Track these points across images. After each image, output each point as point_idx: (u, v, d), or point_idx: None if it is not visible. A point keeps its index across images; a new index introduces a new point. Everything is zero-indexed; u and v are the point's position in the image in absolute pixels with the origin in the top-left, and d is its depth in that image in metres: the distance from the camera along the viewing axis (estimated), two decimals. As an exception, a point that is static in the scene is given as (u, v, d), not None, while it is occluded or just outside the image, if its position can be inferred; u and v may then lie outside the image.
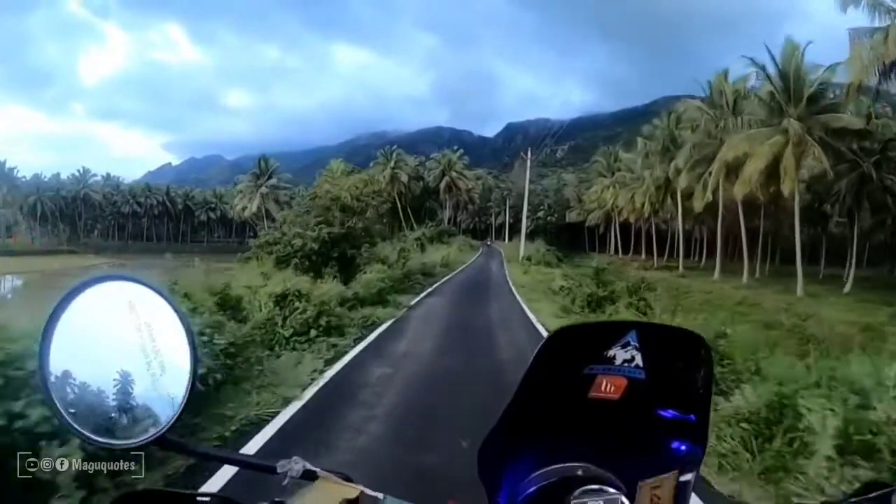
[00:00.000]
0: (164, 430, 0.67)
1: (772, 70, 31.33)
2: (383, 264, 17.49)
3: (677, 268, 48.21)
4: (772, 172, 31.09)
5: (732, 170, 33.76)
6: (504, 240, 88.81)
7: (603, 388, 0.77)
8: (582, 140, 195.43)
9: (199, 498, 0.71)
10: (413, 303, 14.71)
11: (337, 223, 16.52)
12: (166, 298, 0.70)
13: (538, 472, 0.78)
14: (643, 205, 46.57)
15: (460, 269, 32.00)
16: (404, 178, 69.45)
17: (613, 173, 58.00)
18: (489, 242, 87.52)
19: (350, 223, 16.43)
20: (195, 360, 0.69)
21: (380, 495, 0.70)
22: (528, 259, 34.84)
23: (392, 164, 69.28)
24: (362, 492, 0.71)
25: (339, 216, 16.65)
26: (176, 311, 0.69)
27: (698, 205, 35.51)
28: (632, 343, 0.76)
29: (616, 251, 68.20)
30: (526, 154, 38.45)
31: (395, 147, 72.75)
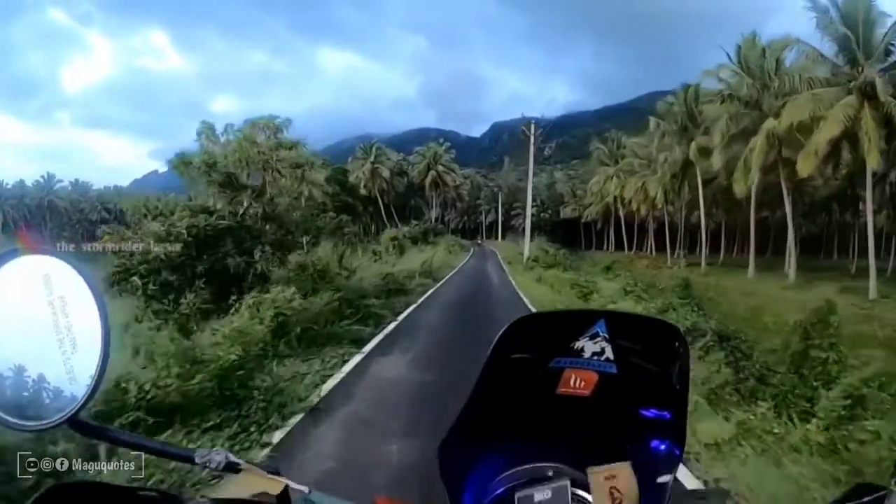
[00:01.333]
0: (75, 411, 0.62)
1: (834, 15, 24.12)
2: (320, 285, 9.62)
3: (696, 265, 40.90)
4: (837, 143, 24.05)
5: (785, 142, 26.51)
6: (496, 238, 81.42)
7: (572, 383, 0.71)
8: (569, 137, 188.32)
9: (139, 492, 0.65)
10: (326, 392, 5.74)
11: (225, 205, 8.75)
12: (80, 272, 0.65)
13: (507, 473, 0.73)
14: (658, 194, 39.16)
15: (448, 277, 22.97)
16: (386, 174, 61.51)
17: (617, 161, 50.51)
18: (480, 241, 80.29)
19: (241, 208, 8.58)
20: (107, 338, 0.63)
21: (305, 489, 0.65)
22: (535, 260, 26.94)
23: (372, 158, 61.22)
24: (287, 485, 0.64)
25: (224, 195, 8.87)
26: (90, 285, 0.64)
27: (740, 188, 28.15)
28: (601, 334, 0.69)
29: (619, 248, 61.00)
30: (528, 129, 30.66)
31: (374, 142, 64.66)
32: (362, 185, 61.55)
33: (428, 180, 64.69)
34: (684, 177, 38.16)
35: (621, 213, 52.30)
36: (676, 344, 0.72)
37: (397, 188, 64.32)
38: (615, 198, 51.07)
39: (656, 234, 57.09)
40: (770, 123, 26.70)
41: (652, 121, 39.13)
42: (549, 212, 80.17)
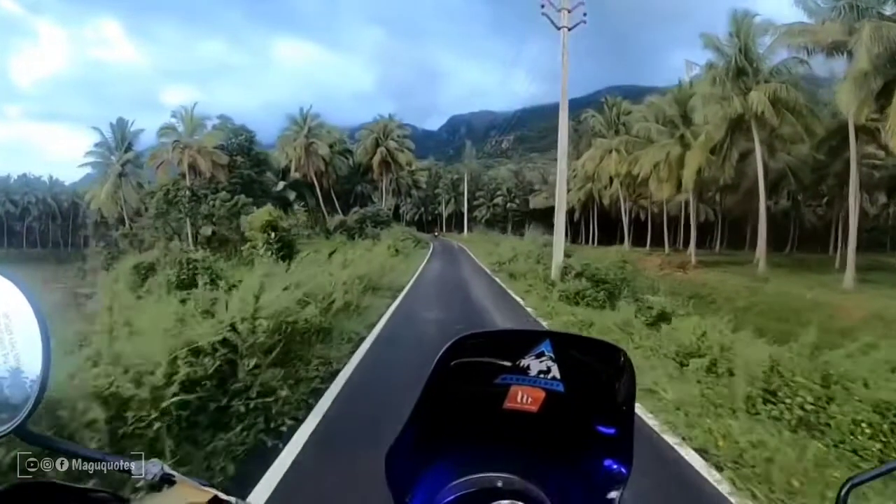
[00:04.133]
0: (21, 421, 0.62)
1: None
2: None
3: (731, 265, 28.42)
4: None
5: None
6: (459, 231, 67.91)
7: (519, 399, 0.69)
8: (527, 130, 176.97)
9: (90, 493, 0.66)
10: None
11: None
12: (23, 290, 0.64)
13: (457, 482, 0.71)
14: (692, 168, 26.27)
15: (363, 355, 6.59)
16: (324, 151, 46.20)
17: (618, 132, 37.64)
18: (437, 233, 66.49)
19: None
20: (47, 354, 0.63)
21: (232, 499, 0.65)
22: (580, 276, 12.55)
23: (306, 131, 45.87)
24: (215, 496, 0.65)
25: None
26: (31, 302, 0.64)
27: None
28: (546, 353, 0.68)
29: (604, 241, 48.55)
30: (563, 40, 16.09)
31: (310, 107, 48.84)
32: (293, 166, 46.39)
33: (377, 159, 49.75)
34: (732, 143, 25.52)
35: (622, 197, 39.47)
36: (622, 362, 0.70)
37: (339, 170, 49.24)
38: (611, 178, 38.20)
39: (639, 225, 45.13)
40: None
41: (685, 64, 26.21)
42: (518, 201, 67.52)
